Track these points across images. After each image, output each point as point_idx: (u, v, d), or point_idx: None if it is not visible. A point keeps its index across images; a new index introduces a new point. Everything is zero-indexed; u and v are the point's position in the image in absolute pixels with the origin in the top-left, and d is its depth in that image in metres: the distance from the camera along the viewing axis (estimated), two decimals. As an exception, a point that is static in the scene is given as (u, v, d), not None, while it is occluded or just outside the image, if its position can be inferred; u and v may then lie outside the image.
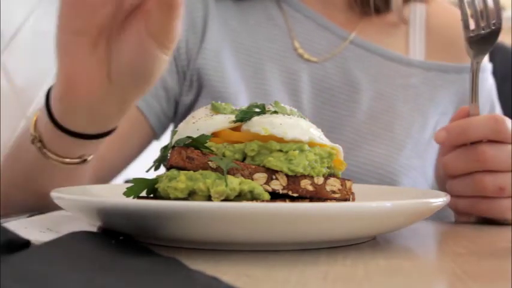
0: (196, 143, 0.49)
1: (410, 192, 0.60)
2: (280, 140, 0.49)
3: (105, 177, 0.85)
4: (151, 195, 0.51)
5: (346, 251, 0.45)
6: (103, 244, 0.40)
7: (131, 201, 0.43)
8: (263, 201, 0.47)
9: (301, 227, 0.42)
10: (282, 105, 0.54)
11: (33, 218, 0.57)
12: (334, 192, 0.50)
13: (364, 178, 0.83)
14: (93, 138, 0.59)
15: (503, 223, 0.64)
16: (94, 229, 0.47)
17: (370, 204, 0.44)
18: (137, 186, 0.50)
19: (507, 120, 0.63)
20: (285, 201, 0.48)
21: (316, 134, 0.51)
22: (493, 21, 0.64)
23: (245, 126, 0.51)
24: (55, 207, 0.52)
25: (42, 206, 0.63)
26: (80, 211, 0.48)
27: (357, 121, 0.88)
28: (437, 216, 0.56)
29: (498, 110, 0.96)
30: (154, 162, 0.54)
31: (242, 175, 0.47)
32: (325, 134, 0.54)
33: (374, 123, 0.88)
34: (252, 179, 0.48)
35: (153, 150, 0.62)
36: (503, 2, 3.69)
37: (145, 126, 0.88)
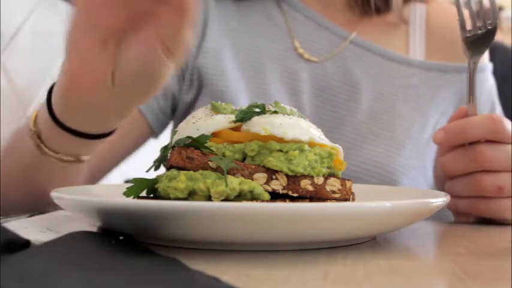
0: (196, 143, 0.49)
1: (410, 192, 0.60)
2: (280, 140, 0.49)
3: (99, 173, 0.85)
4: (151, 195, 0.51)
5: (346, 251, 0.45)
6: (103, 244, 0.40)
7: (131, 201, 0.43)
8: (263, 201, 0.47)
9: (301, 227, 0.42)
10: (282, 105, 0.54)
11: (33, 218, 0.57)
12: (334, 192, 0.50)
13: (364, 178, 0.83)
14: (91, 138, 0.59)
15: (503, 223, 0.64)
16: (94, 229, 0.47)
17: (370, 204, 0.44)
18: (137, 186, 0.50)
19: (505, 120, 0.63)
20: (285, 201, 0.48)
21: (316, 134, 0.51)
22: (489, 21, 0.64)
23: (245, 126, 0.51)
24: (53, 206, 0.52)
25: (40, 203, 0.63)
26: (80, 211, 0.48)
27: (357, 121, 0.88)
28: (437, 216, 0.56)
29: (498, 110, 0.96)
30: (154, 162, 0.54)
31: (242, 175, 0.47)
32: (325, 134, 0.54)
33: (374, 123, 0.88)
34: (252, 179, 0.48)
35: (153, 150, 0.62)
36: (503, 2, 3.69)
37: (143, 124, 0.88)
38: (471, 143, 0.63)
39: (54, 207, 0.53)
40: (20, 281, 0.29)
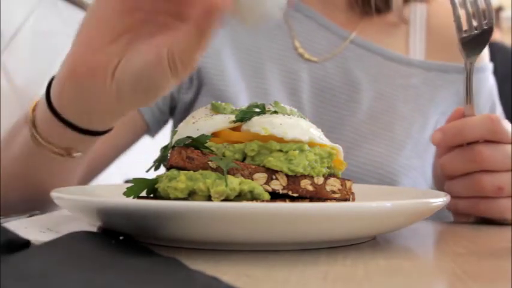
0: (196, 143, 0.49)
1: (410, 192, 0.60)
2: (280, 140, 0.49)
3: (94, 168, 0.85)
4: (151, 195, 0.51)
5: (346, 251, 0.45)
6: (103, 244, 0.40)
7: (131, 201, 0.43)
8: (263, 201, 0.47)
9: (301, 227, 0.42)
10: (282, 105, 0.54)
11: (33, 218, 0.57)
12: (334, 192, 0.50)
13: (364, 178, 0.83)
14: (85, 133, 0.58)
15: (503, 223, 0.64)
16: (94, 229, 0.47)
17: (370, 204, 0.44)
18: (137, 186, 0.50)
19: (503, 120, 0.63)
20: (285, 201, 0.48)
21: (316, 134, 0.52)
22: (485, 21, 0.64)
23: (245, 126, 0.51)
24: (52, 205, 0.52)
25: (39, 201, 0.63)
26: (80, 211, 0.48)
27: (357, 121, 0.88)
28: (437, 216, 0.56)
29: (499, 110, 0.96)
30: (154, 162, 0.54)
31: (242, 175, 0.48)
32: (325, 134, 0.54)
33: (374, 123, 0.88)
34: (252, 179, 0.48)
35: (153, 150, 0.62)
36: (503, 2, 3.69)
37: (138, 120, 0.88)
38: (470, 144, 0.63)
39: (53, 205, 0.53)
40: (20, 281, 0.29)
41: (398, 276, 0.39)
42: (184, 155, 0.48)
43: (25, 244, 0.38)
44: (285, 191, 0.48)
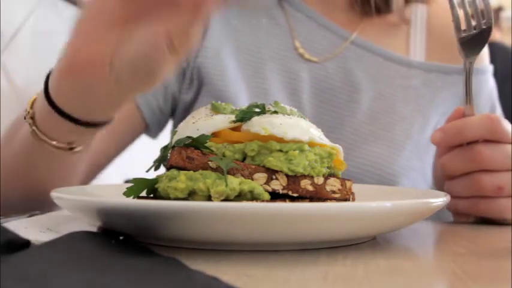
0: (196, 143, 0.49)
1: (410, 192, 0.60)
2: (280, 140, 0.49)
3: (96, 165, 0.85)
4: (151, 195, 0.51)
5: (346, 251, 0.45)
6: (103, 244, 0.40)
7: (131, 201, 0.43)
8: (263, 201, 0.47)
9: (301, 227, 0.42)
10: (282, 105, 0.54)
11: (33, 218, 0.57)
12: (334, 192, 0.50)
13: (363, 179, 0.83)
14: (83, 125, 0.58)
15: (503, 223, 0.64)
16: (94, 229, 0.47)
17: (370, 204, 0.44)
18: (137, 186, 0.50)
19: (502, 119, 0.63)
20: (285, 201, 0.48)
21: (316, 134, 0.51)
22: (484, 21, 0.64)
23: (245, 126, 0.51)
24: (53, 205, 0.52)
25: (39, 201, 0.63)
26: (80, 211, 0.48)
27: (357, 121, 0.88)
28: (437, 216, 0.56)
29: (499, 111, 0.96)
30: (154, 162, 0.54)
31: (242, 175, 0.47)
32: (325, 134, 0.54)
33: (374, 123, 0.88)
34: (252, 179, 0.48)
35: (153, 150, 0.62)
36: (503, 2, 3.69)
37: (138, 119, 0.88)
38: (469, 143, 0.63)
39: (53, 205, 0.53)
40: (20, 281, 0.29)
41: (398, 276, 0.39)
42: (184, 155, 0.48)
43: (25, 244, 0.38)
44: (285, 191, 0.48)
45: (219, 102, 0.55)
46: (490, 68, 0.95)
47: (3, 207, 0.64)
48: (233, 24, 0.91)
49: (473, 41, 0.65)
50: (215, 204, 0.41)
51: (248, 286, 0.34)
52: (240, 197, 0.46)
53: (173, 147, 0.50)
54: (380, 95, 0.89)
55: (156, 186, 0.50)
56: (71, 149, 0.61)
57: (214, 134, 0.51)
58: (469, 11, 0.65)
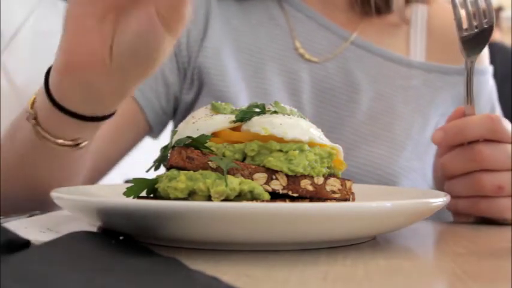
0: (196, 143, 0.49)
1: (410, 192, 0.60)
2: (280, 140, 0.49)
3: (97, 171, 0.85)
4: (151, 195, 0.51)
5: (346, 251, 0.45)
6: (103, 244, 0.40)
7: (131, 201, 0.43)
8: (263, 201, 0.47)
9: (301, 227, 0.42)
10: (282, 105, 0.54)
11: (33, 218, 0.57)
12: (334, 192, 0.50)
13: (363, 179, 0.83)
14: (88, 120, 0.58)
15: (503, 223, 0.64)
16: (94, 229, 0.47)
17: (370, 204, 0.44)
18: (137, 186, 0.50)
19: (503, 119, 0.63)
20: (285, 201, 0.48)
21: (316, 134, 0.51)
22: (485, 20, 0.64)
23: (245, 126, 0.51)
24: (53, 205, 0.52)
25: (40, 202, 0.63)
26: (80, 211, 0.48)
27: (357, 121, 0.88)
28: (437, 216, 0.56)
29: (498, 112, 0.96)
30: (154, 162, 0.54)
31: (242, 175, 0.47)
32: (325, 134, 0.54)
33: (374, 123, 0.88)
34: (252, 179, 0.48)
35: (153, 150, 0.62)
36: (503, 2, 3.69)
37: (142, 120, 0.88)
38: (470, 143, 0.63)
39: (54, 206, 0.53)
40: (20, 281, 0.29)
41: (398, 276, 0.39)
42: (184, 155, 0.48)
43: (25, 244, 0.38)
44: (285, 191, 0.48)
45: (219, 102, 0.55)
46: (490, 69, 0.95)
47: (3, 207, 0.64)
48: (233, 24, 0.91)
49: (474, 40, 0.65)
50: (215, 204, 0.41)
51: (248, 286, 0.34)
52: (240, 197, 0.46)
53: (173, 147, 0.50)
54: (380, 95, 0.89)
55: (156, 186, 0.50)
56: (76, 145, 0.61)
57: (214, 134, 0.51)
58: (471, 10, 0.65)
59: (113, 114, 0.59)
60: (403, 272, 0.40)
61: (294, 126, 0.50)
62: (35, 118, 0.59)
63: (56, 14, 1.06)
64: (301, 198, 0.49)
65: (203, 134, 0.50)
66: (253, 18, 0.92)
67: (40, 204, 0.63)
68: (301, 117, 0.54)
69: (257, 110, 0.52)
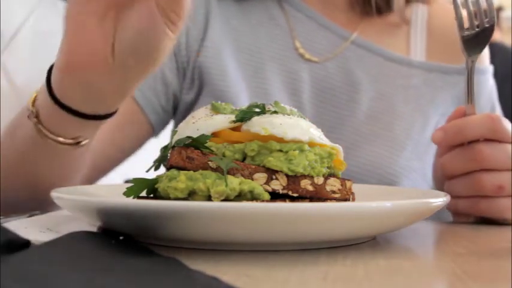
0: (196, 143, 0.49)
1: (411, 192, 0.60)
2: (280, 140, 0.49)
3: (101, 168, 0.85)
4: (151, 195, 0.51)
5: (346, 251, 0.45)
6: (103, 244, 0.40)
7: (131, 201, 0.43)
8: (263, 201, 0.47)
9: (301, 227, 0.42)
10: (282, 105, 0.54)
11: (33, 218, 0.57)
12: (334, 192, 0.50)
13: (363, 179, 0.83)
14: (90, 118, 0.58)
15: (503, 223, 0.64)
16: (94, 229, 0.47)
17: (370, 204, 0.44)
18: (137, 186, 0.50)
19: (503, 119, 0.63)
20: (285, 201, 0.48)
21: (316, 134, 0.51)
22: (486, 20, 0.64)
23: (245, 126, 0.51)
24: (53, 205, 0.52)
25: (39, 201, 0.63)
26: (80, 211, 0.48)
27: (357, 121, 0.88)
28: (437, 216, 0.56)
29: (498, 111, 0.96)
30: (154, 162, 0.54)
31: (242, 175, 0.47)
32: (325, 134, 0.54)
33: (374, 123, 0.88)
34: (252, 179, 0.48)
35: (153, 150, 0.62)
36: (503, 2, 3.69)
37: (143, 121, 0.88)
38: (470, 143, 0.63)
39: (53, 206, 0.53)
40: (20, 281, 0.29)
41: (398, 276, 0.39)
42: (184, 155, 0.48)
43: (25, 244, 0.38)
44: (285, 191, 0.48)
45: (220, 102, 0.55)
46: (490, 69, 0.95)
47: (3, 206, 0.64)
48: (233, 24, 0.91)
49: (475, 39, 0.65)
50: (215, 204, 0.41)
51: (248, 286, 0.34)
52: (240, 197, 0.46)
53: (173, 147, 0.50)
54: (380, 94, 0.89)
55: (156, 186, 0.50)
56: (77, 143, 0.61)
57: (214, 134, 0.51)
58: (472, 10, 0.65)
59: (114, 113, 0.60)
60: (403, 272, 0.40)
61: (294, 126, 0.50)
62: (36, 116, 0.59)
63: (56, 14, 1.06)
64: (301, 198, 0.49)
65: (203, 134, 0.50)
66: (253, 18, 0.92)
67: (40, 203, 0.63)
68: (301, 117, 0.54)
69: (257, 110, 0.52)
